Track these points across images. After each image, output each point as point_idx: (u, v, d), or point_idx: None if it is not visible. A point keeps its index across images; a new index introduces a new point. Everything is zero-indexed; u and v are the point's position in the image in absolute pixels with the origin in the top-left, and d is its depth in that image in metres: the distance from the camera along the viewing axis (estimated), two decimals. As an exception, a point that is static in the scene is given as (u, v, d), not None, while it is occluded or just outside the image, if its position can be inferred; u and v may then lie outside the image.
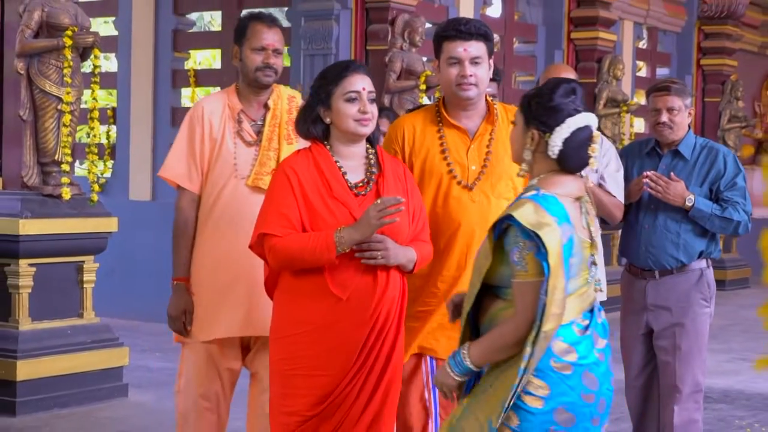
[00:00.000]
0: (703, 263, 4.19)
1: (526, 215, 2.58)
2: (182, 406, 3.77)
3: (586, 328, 2.70)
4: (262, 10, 3.87)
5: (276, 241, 3.04)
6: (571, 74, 4.23)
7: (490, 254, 2.68)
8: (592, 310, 2.75)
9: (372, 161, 3.19)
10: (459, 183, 3.39)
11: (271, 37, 3.68)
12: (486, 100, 3.49)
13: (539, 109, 2.69)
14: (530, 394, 2.62)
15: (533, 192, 2.66)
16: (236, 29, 3.76)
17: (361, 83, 3.11)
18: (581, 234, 2.69)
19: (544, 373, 2.61)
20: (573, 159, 2.69)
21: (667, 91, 4.17)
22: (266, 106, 3.73)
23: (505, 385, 2.63)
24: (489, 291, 2.74)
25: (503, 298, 2.70)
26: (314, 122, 3.15)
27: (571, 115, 2.67)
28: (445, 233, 3.36)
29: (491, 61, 3.43)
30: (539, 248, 2.57)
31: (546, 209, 2.60)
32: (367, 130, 3.12)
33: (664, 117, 4.16)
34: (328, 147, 3.15)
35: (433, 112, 3.48)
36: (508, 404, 2.60)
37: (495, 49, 3.56)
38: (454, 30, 3.36)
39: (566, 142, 2.66)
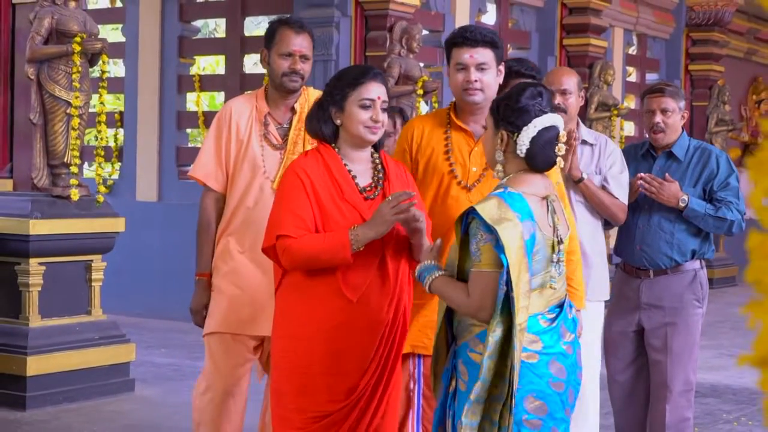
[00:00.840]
0: (696, 264, 4.20)
1: (488, 210, 2.65)
2: (199, 400, 3.74)
3: (553, 320, 2.74)
4: (264, 17, 3.92)
5: (291, 242, 2.98)
6: (573, 77, 4.23)
7: (458, 249, 2.76)
8: (561, 306, 2.79)
9: (378, 166, 3.18)
10: (459, 183, 3.44)
11: (298, 43, 3.63)
12: None
13: (507, 111, 2.76)
14: None
15: (501, 189, 2.74)
16: (266, 33, 3.73)
17: (376, 91, 3.08)
18: (546, 232, 2.74)
19: None
20: (540, 157, 2.76)
21: (662, 92, 4.20)
22: (293, 110, 3.71)
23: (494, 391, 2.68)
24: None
25: None
26: (325, 122, 3.12)
27: (537, 116, 2.74)
28: (441, 231, 3.34)
29: (501, 68, 3.46)
30: (498, 242, 2.63)
31: (510, 206, 2.66)
32: (375, 137, 3.10)
33: (658, 118, 4.17)
34: (336, 149, 3.12)
35: (444, 115, 3.54)
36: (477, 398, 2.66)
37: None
38: (461, 37, 3.41)
39: (533, 141, 2.74)
